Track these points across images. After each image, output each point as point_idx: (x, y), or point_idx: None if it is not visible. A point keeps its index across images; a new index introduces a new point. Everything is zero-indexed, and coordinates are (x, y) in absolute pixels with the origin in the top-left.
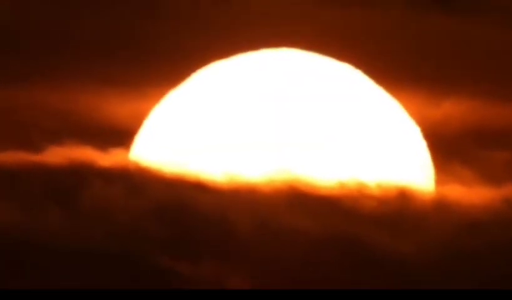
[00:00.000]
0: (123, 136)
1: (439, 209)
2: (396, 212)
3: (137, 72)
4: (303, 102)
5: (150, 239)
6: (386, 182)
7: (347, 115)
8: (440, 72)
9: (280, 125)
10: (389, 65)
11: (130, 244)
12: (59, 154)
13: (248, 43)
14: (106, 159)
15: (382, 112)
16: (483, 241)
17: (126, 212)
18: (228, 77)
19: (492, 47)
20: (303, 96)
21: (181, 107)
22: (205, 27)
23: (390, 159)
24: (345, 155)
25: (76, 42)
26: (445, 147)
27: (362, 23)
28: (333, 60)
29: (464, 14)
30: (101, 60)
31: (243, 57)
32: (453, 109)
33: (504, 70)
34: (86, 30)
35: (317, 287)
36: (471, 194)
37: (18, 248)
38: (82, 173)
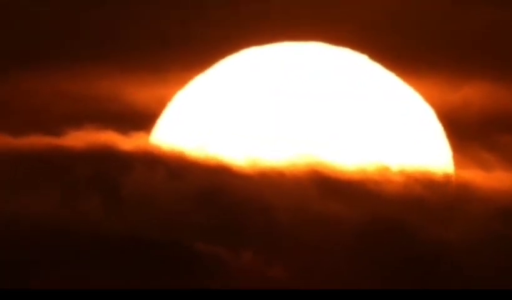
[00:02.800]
0: (144, 120)
1: (461, 192)
2: (420, 195)
3: (159, 57)
4: (326, 90)
5: (178, 224)
6: (407, 166)
7: (365, 102)
8: (461, 57)
9: (302, 111)
10: (408, 52)
11: (157, 228)
12: (79, 138)
13: (272, 35)
14: (127, 142)
15: (398, 98)
16: (505, 225)
17: (147, 196)
18: (253, 65)
19: (510, 31)
20: (326, 85)
21: (204, 93)
22: (230, 16)
23: (409, 143)
24: (365, 140)
25: (98, 27)
26: (466, 132)
27: (380, 13)
28: (351, 51)
29: None
30: (123, 45)
31: (270, 47)
32: (473, 94)
33: None
34: (109, 15)
35: (352, 269)
36: (492, 178)
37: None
38: (103, 157)
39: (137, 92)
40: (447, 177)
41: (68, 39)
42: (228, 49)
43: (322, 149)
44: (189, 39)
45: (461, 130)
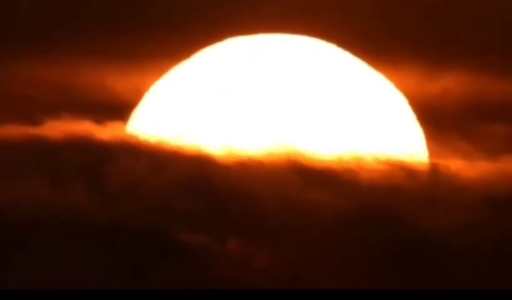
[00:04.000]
0: (122, 110)
1: (438, 181)
2: (397, 184)
3: (138, 45)
4: (300, 80)
5: (159, 213)
6: (383, 155)
7: (340, 92)
8: (438, 46)
9: (278, 100)
10: (383, 42)
11: (133, 215)
12: (57, 128)
13: (249, 26)
14: (104, 132)
15: (370, 87)
16: (485, 214)
17: (122, 185)
18: (232, 56)
19: (490, 20)
20: (300, 75)
21: (182, 83)
22: (212, 6)
23: (383, 132)
24: (341, 129)
25: (74, 15)
26: (444, 121)
27: (353, 3)
28: (322, 41)
29: None
30: (100, 33)
31: (243, 39)
32: (451, 83)
33: (502, 44)
34: (86, 3)
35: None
36: (470, 167)
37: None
38: (81, 146)
39: (115, 81)
40: (423, 165)
41: (45, 26)
42: (209, 39)
43: (299, 138)
44: (170, 28)
45: (439, 119)
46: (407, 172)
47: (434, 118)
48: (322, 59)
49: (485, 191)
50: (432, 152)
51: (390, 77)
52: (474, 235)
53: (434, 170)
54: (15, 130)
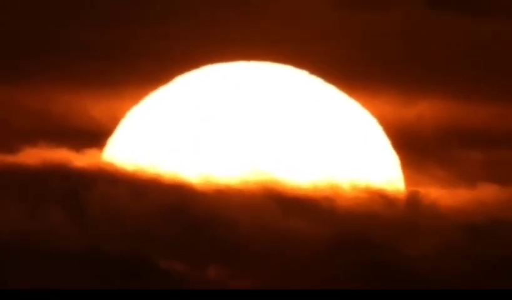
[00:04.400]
0: (98, 137)
1: (414, 208)
2: (373, 211)
3: (114, 72)
4: (275, 107)
5: (137, 239)
6: (358, 182)
7: (314, 118)
8: (414, 73)
9: (254, 128)
10: (358, 69)
11: (108, 242)
12: (33, 155)
13: (225, 53)
14: (81, 159)
15: (345, 114)
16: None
17: (100, 212)
18: (206, 83)
19: (466, 47)
20: (276, 102)
21: (157, 109)
22: (187, 34)
23: (358, 159)
24: (316, 156)
25: (50, 42)
26: (420, 148)
27: (325, 31)
28: (295, 68)
29: (438, 12)
30: (76, 59)
31: (219, 66)
32: (427, 110)
33: (478, 71)
34: (61, 30)
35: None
36: (446, 193)
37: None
38: (57, 174)
39: (91, 108)
40: (399, 193)
41: (21, 54)
42: (185, 66)
43: (275, 166)
44: (147, 54)
45: (416, 146)
46: (383, 199)
47: (410, 144)
48: (297, 86)
49: (462, 218)
50: (408, 178)
51: (364, 103)
52: (452, 262)
53: (410, 198)
54: None
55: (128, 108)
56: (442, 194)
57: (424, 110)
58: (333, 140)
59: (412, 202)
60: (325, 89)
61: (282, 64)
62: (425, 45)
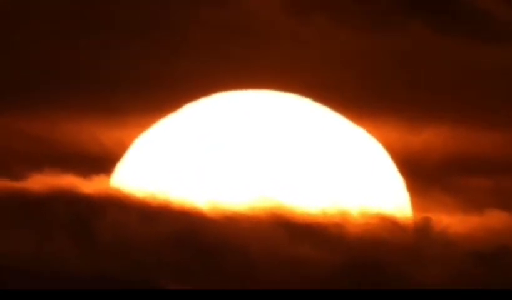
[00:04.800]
0: (106, 163)
1: (422, 235)
2: (382, 238)
3: (122, 99)
4: (283, 135)
5: (144, 266)
6: (367, 209)
7: (321, 146)
8: (420, 100)
9: (263, 155)
10: (364, 97)
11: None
12: (40, 182)
13: (233, 82)
14: (88, 186)
15: (352, 141)
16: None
17: (107, 239)
18: (212, 111)
19: (473, 74)
20: (283, 130)
21: (165, 137)
22: (196, 63)
23: (366, 186)
24: (324, 183)
25: (58, 69)
26: (427, 175)
27: (330, 58)
28: (300, 96)
29: (445, 38)
30: (83, 86)
31: (227, 94)
32: (433, 137)
33: (485, 98)
34: (69, 57)
35: None
36: (453, 221)
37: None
38: (64, 200)
39: (98, 135)
40: (407, 219)
41: (27, 80)
42: (194, 94)
43: (282, 192)
44: (155, 81)
45: (423, 173)
46: (393, 225)
47: (417, 171)
48: (304, 114)
49: (471, 245)
50: (416, 205)
51: (371, 130)
52: (460, 289)
53: (419, 224)
54: None
55: (136, 135)
56: (451, 221)
57: (431, 137)
58: (340, 167)
59: (421, 228)
60: (331, 116)
61: (289, 93)
62: (432, 72)
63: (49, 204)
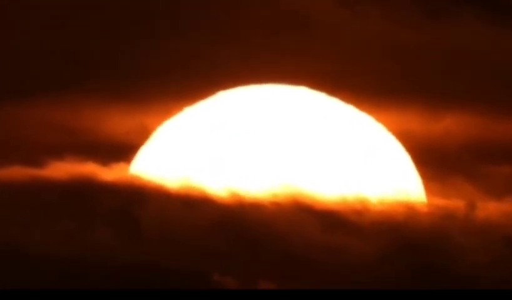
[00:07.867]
0: (125, 151)
1: (441, 222)
2: (401, 225)
3: (144, 87)
4: (306, 125)
5: (165, 252)
6: (385, 196)
7: (340, 137)
8: (442, 87)
9: (282, 142)
10: (386, 83)
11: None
12: (61, 169)
13: (260, 76)
14: (108, 173)
15: (372, 133)
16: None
17: (126, 226)
18: (234, 102)
19: (494, 62)
20: (307, 120)
21: (188, 125)
22: (218, 56)
23: (383, 174)
24: (342, 171)
25: (79, 57)
26: (446, 162)
27: (343, 45)
28: (325, 95)
29: (462, 28)
30: (104, 74)
31: (251, 88)
32: (454, 124)
33: (506, 85)
34: (90, 44)
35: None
36: (472, 208)
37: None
38: (84, 187)
39: (118, 123)
40: (425, 206)
41: (48, 68)
42: (224, 84)
43: (302, 180)
44: (175, 71)
45: (441, 160)
46: (410, 213)
47: (437, 159)
48: (320, 106)
49: (491, 232)
50: (435, 192)
51: (387, 118)
52: (487, 274)
53: (437, 212)
54: (19, 172)
55: (157, 123)
56: (470, 208)
57: (451, 124)
58: (359, 156)
59: (441, 215)
60: (351, 108)
61: (303, 86)
62: (451, 60)
63: (68, 191)
